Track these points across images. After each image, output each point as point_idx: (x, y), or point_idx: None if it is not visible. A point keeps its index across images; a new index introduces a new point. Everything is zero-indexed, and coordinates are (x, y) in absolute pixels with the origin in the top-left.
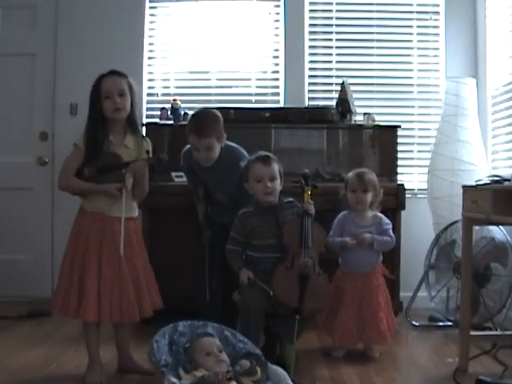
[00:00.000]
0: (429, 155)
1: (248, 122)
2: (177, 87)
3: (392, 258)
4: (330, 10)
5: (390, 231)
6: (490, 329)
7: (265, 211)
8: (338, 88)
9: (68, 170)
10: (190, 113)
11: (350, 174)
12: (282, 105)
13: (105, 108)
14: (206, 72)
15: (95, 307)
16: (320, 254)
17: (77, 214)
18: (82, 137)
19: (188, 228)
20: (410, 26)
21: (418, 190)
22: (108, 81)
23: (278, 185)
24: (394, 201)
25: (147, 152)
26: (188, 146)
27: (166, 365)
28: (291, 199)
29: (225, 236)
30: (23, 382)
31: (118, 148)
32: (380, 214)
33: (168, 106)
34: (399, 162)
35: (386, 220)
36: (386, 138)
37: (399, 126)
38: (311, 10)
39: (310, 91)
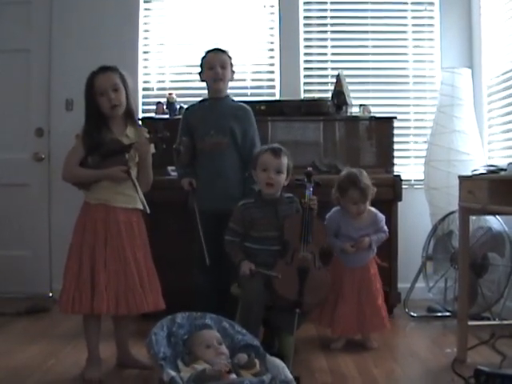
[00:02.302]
0: (425, 146)
1: None
2: (172, 81)
3: (389, 249)
4: (325, 2)
5: (384, 226)
6: (488, 319)
7: (265, 203)
8: (334, 80)
9: (72, 159)
10: (185, 107)
11: (348, 185)
12: (277, 97)
13: (101, 105)
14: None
15: (106, 299)
16: (321, 248)
17: (80, 208)
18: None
19: (186, 222)
20: (405, 17)
21: (415, 180)
22: (101, 78)
23: (282, 179)
24: (391, 192)
25: (148, 132)
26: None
27: (164, 357)
28: (290, 195)
29: (216, 231)
30: (22, 379)
31: (119, 137)
32: (373, 209)
33: (163, 100)
34: (395, 153)
35: (380, 215)
36: (382, 129)
37: (395, 117)
38: (306, 3)
39: (305, 83)
